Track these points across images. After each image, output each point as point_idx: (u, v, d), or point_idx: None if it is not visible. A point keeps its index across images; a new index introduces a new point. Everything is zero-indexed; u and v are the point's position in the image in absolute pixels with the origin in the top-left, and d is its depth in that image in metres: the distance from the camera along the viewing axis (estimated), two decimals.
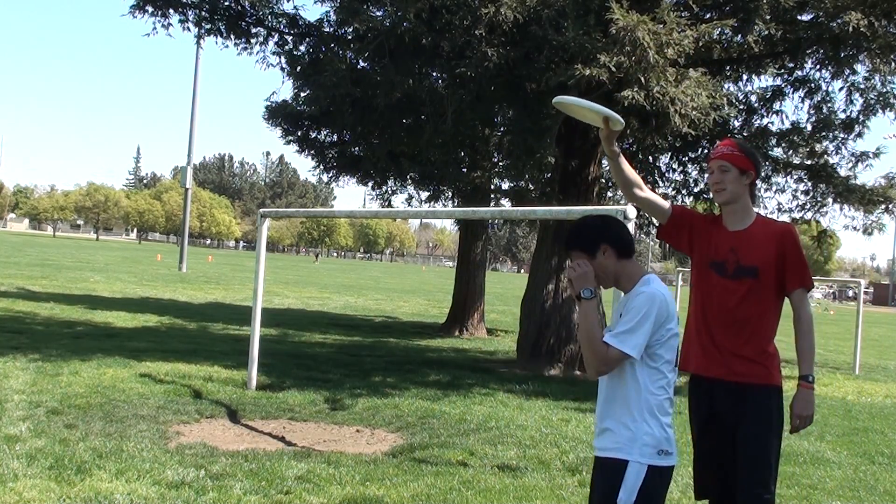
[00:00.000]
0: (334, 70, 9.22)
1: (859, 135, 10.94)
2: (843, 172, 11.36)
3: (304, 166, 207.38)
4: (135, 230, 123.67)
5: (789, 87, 10.91)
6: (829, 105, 10.88)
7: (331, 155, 13.84)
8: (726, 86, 10.51)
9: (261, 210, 7.80)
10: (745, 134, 11.39)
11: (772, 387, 3.07)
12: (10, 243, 52.51)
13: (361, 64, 10.13)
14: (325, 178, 14.65)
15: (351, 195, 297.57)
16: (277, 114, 12.66)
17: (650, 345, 2.49)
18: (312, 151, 13.65)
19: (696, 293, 3.15)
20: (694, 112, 7.73)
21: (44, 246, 54.10)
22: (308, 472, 4.70)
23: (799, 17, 9.13)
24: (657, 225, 3.36)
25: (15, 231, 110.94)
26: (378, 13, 9.52)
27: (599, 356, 2.46)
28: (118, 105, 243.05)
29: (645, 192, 3.24)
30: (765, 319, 3.08)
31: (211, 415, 6.26)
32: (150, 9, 10.65)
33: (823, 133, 11.08)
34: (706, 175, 3.31)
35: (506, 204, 15.86)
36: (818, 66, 10.14)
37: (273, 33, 11.28)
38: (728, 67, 10.75)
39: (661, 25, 7.46)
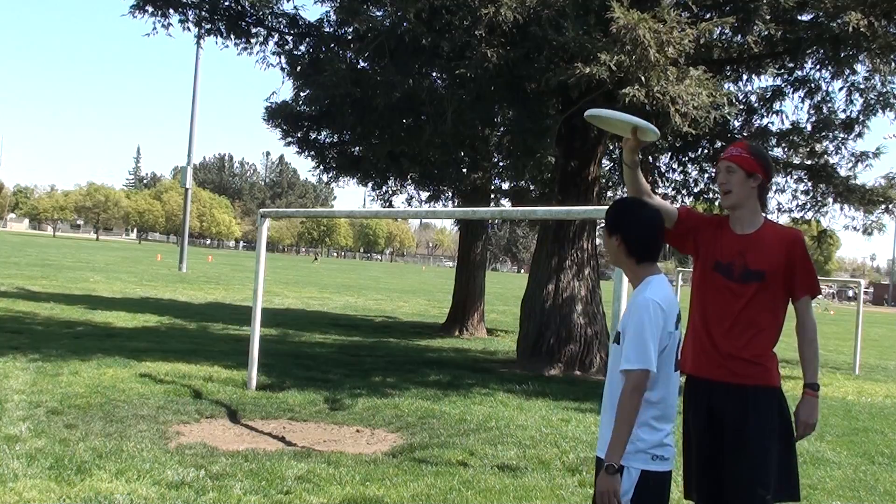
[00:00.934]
0: (334, 70, 9.21)
1: (859, 135, 10.94)
2: (843, 172, 11.37)
3: (304, 166, 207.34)
4: (135, 230, 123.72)
5: (789, 87, 10.92)
6: (829, 105, 10.88)
7: (331, 155, 13.83)
8: (726, 86, 10.51)
9: (261, 210, 7.80)
10: (745, 134, 11.39)
11: (771, 388, 3.05)
12: (10, 243, 52.51)
13: (361, 64, 10.13)
14: (325, 178, 14.64)
15: (351, 195, 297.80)
16: (277, 114, 12.65)
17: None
18: (312, 152, 13.63)
19: (697, 294, 3.13)
20: (694, 111, 7.73)
21: (44, 246, 54.10)
22: (308, 472, 4.70)
23: (799, 17, 9.13)
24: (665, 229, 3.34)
25: (15, 231, 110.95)
26: (378, 13, 9.53)
27: (633, 401, 2.42)
28: (118, 105, 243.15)
29: (654, 199, 3.22)
30: (768, 324, 3.06)
31: (211, 415, 6.26)
32: (150, 9, 10.65)
33: (823, 133, 11.07)
34: (715, 175, 3.25)
35: (506, 204, 15.86)
36: (818, 66, 10.14)
37: (273, 33, 11.28)
38: (728, 67, 10.75)
39: (662, 24, 7.46)
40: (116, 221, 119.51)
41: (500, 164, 14.33)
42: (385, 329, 15.07)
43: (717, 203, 12.73)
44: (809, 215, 11.98)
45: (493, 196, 15.69)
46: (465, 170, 13.89)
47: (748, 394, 3.01)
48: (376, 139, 11.48)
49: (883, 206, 11.29)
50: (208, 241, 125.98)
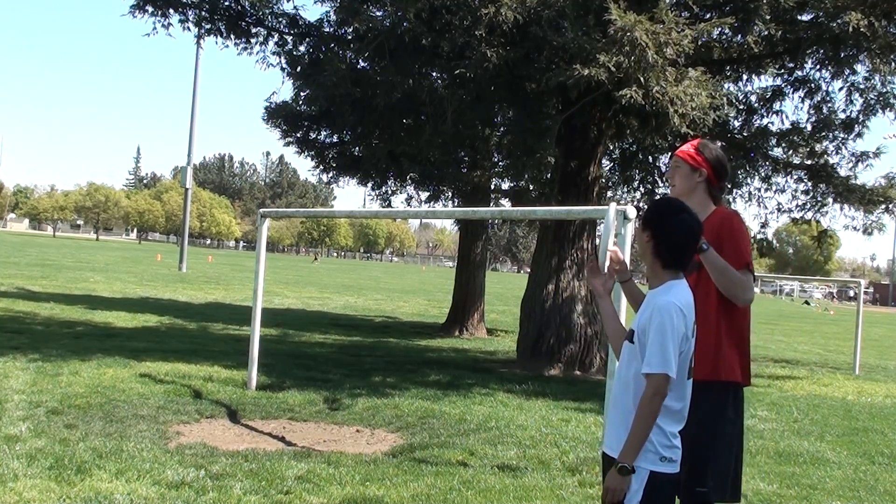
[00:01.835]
0: (334, 70, 9.22)
1: (859, 135, 10.94)
2: (843, 172, 11.36)
3: (304, 166, 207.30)
4: (135, 230, 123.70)
5: (789, 87, 10.92)
6: (829, 105, 10.89)
7: (331, 155, 13.83)
8: (726, 86, 10.52)
9: (261, 210, 7.80)
10: (745, 134, 11.39)
11: (719, 382, 3.03)
12: (10, 243, 52.51)
13: (361, 64, 10.13)
14: (325, 178, 14.64)
15: (351, 195, 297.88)
16: (277, 114, 12.66)
17: None
18: (312, 152, 13.64)
19: None
20: (694, 112, 7.73)
21: (44, 246, 54.10)
22: (308, 472, 4.70)
23: (799, 17, 9.13)
24: None
25: (15, 231, 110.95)
26: (378, 13, 9.53)
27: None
28: (118, 105, 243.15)
29: None
30: (714, 314, 3.04)
31: (211, 415, 6.26)
32: (150, 9, 10.65)
33: (823, 133, 11.07)
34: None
35: (506, 204, 15.86)
36: (818, 66, 10.14)
37: (273, 33, 11.28)
38: (728, 67, 10.75)
39: (660, 25, 7.46)
40: (116, 221, 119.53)
41: (500, 164, 14.33)
42: (385, 329, 15.08)
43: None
44: (809, 215, 11.98)
45: (493, 196, 15.69)
46: (465, 170, 13.89)
47: (695, 388, 3.01)
48: (376, 139, 11.49)
49: (883, 206, 11.28)
50: (208, 241, 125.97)
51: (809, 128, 11.02)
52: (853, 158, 11.27)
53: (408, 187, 15.32)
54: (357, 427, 6.22)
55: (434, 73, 9.88)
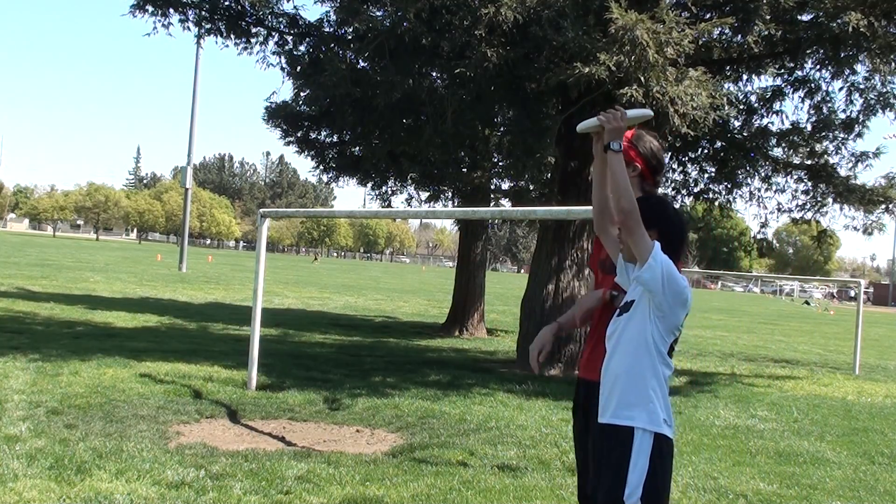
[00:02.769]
0: (334, 70, 9.21)
1: (859, 135, 10.93)
2: (843, 172, 11.35)
3: (304, 166, 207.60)
4: (135, 230, 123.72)
5: (789, 87, 10.91)
6: (829, 105, 10.87)
7: (331, 155, 13.84)
8: (726, 86, 10.51)
9: (261, 210, 7.80)
10: (745, 134, 11.39)
11: None
12: (10, 243, 52.51)
13: (361, 64, 10.13)
14: (325, 178, 14.65)
15: (351, 195, 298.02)
16: (277, 114, 12.66)
17: (665, 313, 2.52)
18: (312, 152, 13.65)
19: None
20: (694, 112, 7.73)
21: (44, 246, 54.10)
22: (308, 472, 4.70)
23: (799, 17, 9.12)
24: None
25: (15, 231, 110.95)
26: (378, 13, 9.52)
27: (628, 200, 2.50)
28: (118, 105, 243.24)
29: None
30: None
31: (211, 415, 6.26)
32: (150, 8, 10.64)
33: (823, 133, 11.07)
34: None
35: (506, 204, 15.86)
36: (818, 66, 10.13)
37: (273, 33, 11.27)
38: (728, 67, 10.75)
39: (661, 24, 7.46)
40: (116, 221, 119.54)
41: (500, 164, 14.34)
42: (385, 329, 15.07)
43: (717, 203, 12.74)
44: (809, 215, 11.96)
45: (493, 196, 15.69)
46: (465, 170, 13.90)
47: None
48: (376, 139, 11.49)
49: (883, 206, 11.27)
50: (208, 241, 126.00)
51: (809, 128, 11.01)
52: (853, 158, 11.26)
53: (408, 187, 15.33)
54: (357, 427, 6.22)
55: (434, 73, 9.88)
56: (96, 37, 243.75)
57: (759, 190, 12.35)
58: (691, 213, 13.61)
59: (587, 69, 7.37)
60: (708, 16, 9.09)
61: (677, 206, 12.86)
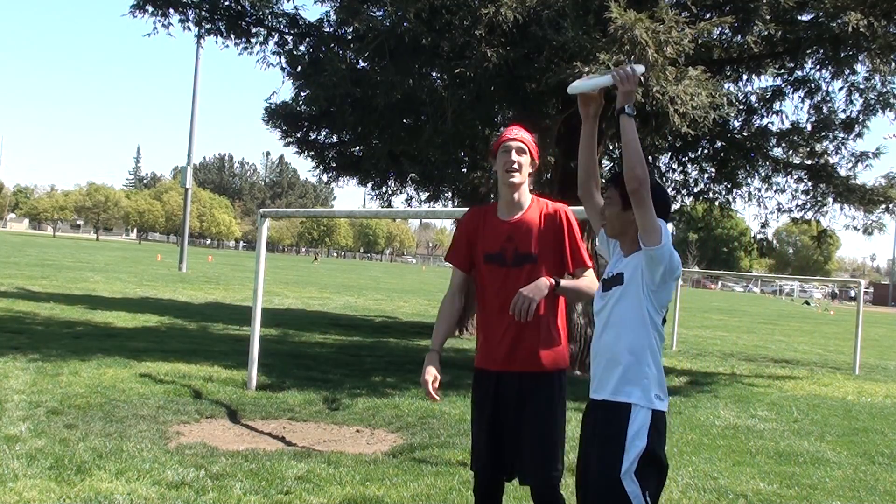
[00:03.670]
0: (334, 70, 9.21)
1: (859, 135, 10.94)
2: (843, 172, 11.35)
3: (304, 166, 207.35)
4: (135, 230, 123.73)
5: (789, 87, 10.91)
6: (829, 105, 10.88)
7: (331, 155, 13.83)
8: (726, 86, 10.51)
9: (261, 210, 7.80)
10: (745, 134, 11.38)
11: (558, 371, 3.13)
12: (10, 243, 52.50)
13: (361, 64, 10.12)
14: (325, 178, 14.63)
15: (351, 195, 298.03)
16: (277, 114, 12.65)
17: (658, 287, 2.57)
18: (312, 152, 13.63)
19: (480, 288, 3.22)
20: (694, 111, 7.73)
21: (44, 246, 54.09)
22: (308, 472, 4.70)
23: (799, 17, 9.12)
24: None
25: (15, 231, 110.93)
26: (378, 13, 9.52)
27: (642, 168, 2.51)
28: (118, 105, 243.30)
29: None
30: (549, 305, 3.11)
31: (211, 415, 6.26)
32: (150, 8, 10.63)
33: (823, 133, 11.07)
34: (496, 154, 3.20)
35: None
36: (818, 66, 10.13)
37: (273, 33, 11.26)
38: (728, 67, 10.75)
39: (660, 24, 7.46)
40: (116, 221, 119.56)
41: None
42: (385, 329, 15.07)
43: (717, 203, 12.73)
44: (809, 215, 11.97)
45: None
46: (465, 170, 13.88)
47: (540, 379, 3.09)
48: (376, 139, 11.48)
49: (883, 206, 11.27)
50: (208, 241, 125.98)
51: (809, 128, 11.01)
52: (853, 158, 11.27)
53: (408, 187, 15.31)
54: (357, 427, 6.22)
55: (434, 73, 9.87)
56: (96, 37, 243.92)
57: (759, 190, 12.36)
58: (691, 213, 13.61)
59: (587, 69, 7.37)
60: (708, 15, 9.08)
61: (677, 206, 12.87)
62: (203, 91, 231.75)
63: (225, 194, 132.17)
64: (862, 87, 10.36)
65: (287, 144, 13.27)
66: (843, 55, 9.04)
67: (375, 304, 21.97)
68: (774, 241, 15.52)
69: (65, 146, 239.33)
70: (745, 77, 11.08)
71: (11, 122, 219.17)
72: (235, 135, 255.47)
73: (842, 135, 11.01)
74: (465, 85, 8.77)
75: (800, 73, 10.67)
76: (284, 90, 74.70)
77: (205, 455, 4.95)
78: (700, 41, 8.46)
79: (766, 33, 8.84)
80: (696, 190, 12.66)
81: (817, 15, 8.75)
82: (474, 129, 10.28)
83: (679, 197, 12.75)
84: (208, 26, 11.11)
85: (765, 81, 11.45)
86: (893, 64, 9.50)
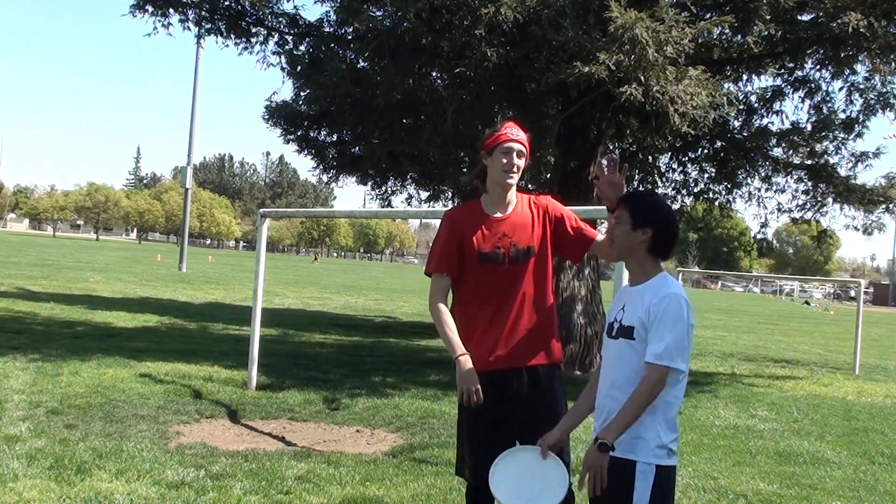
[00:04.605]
0: (334, 70, 9.21)
1: (859, 135, 10.94)
2: (843, 172, 11.36)
3: (304, 166, 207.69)
4: (135, 230, 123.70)
5: (789, 87, 10.91)
6: (829, 105, 10.88)
7: (331, 155, 13.83)
8: (726, 86, 10.52)
9: (261, 210, 7.80)
10: (745, 134, 11.38)
11: (556, 364, 3.16)
12: (10, 243, 52.50)
13: (361, 64, 10.12)
14: (325, 178, 14.63)
15: (351, 195, 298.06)
16: (277, 114, 12.65)
17: None
18: (312, 151, 13.64)
19: (471, 288, 3.16)
20: (694, 111, 7.72)
21: (44, 246, 54.09)
22: (308, 472, 4.70)
23: (799, 17, 9.13)
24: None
25: (15, 231, 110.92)
26: (378, 13, 9.52)
27: (653, 395, 2.40)
28: (118, 105, 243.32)
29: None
30: (546, 297, 3.15)
31: (211, 415, 6.26)
32: (150, 8, 10.64)
33: (823, 133, 11.07)
34: (494, 153, 3.17)
35: None
36: (818, 67, 10.14)
37: (273, 33, 11.27)
38: (728, 67, 10.75)
39: (660, 23, 7.46)
40: (116, 221, 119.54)
41: None
42: (385, 329, 15.07)
43: (717, 203, 12.73)
44: (809, 215, 11.97)
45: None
46: (465, 170, 13.88)
47: (541, 373, 3.12)
48: (376, 139, 11.47)
49: (883, 206, 11.28)
50: (208, 241, 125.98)
51: (809, 128, 11.01)
52: (853, 158, 11.27)
53: (408, 187, 15.33)
54: (357, 427, 6.22)
55: (434, 73, 9.88)
56: (96, 37, 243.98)
57: (759, 190, 12.36)
58: (691, 213, 13.61)
59: (587, 68, 7.37)
60: (708, 15, 9.08)
61: (677, 206, 12.87)
62: (203, 91, 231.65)
63: (225, 194, 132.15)
64: (862, 87, 10.37)
65: (287, 143, 13.29)
66: (843, 55, 9.04)
67: (375, 304, 21.97)
68: (774, 241, 15.53)
69: (65, 146, 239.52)
70: (745, 77, 11.08)
71: (11, 122, 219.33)
72: (235, 135, 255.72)
73: (842, 135, 11.01)
74: (465, 85, 8.77)
75: (800, 73, 10.68)
76: (285, 90, 74.74)
77: (205, 455, 4.95)
78: (700, 41, 8.47)
79: (766, 33, 8.84)
80: (696, 190, 12.66)
81: (817, 15, 8.75)
82: (474, 129, 10.27)
83: (679, 197, 12.75)
84: (208, 26, 11.12)
85: (765, 81, 11.47)
86: (893, 64, 9.51)
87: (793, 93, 10.90)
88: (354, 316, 17.56)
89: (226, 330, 12.50)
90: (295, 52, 11.12)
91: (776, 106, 11.11)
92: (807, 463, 5.93)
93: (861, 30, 7.90)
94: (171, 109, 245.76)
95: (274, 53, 11.25)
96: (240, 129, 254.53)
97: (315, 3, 29.09)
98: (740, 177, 12.05)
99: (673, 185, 12.71)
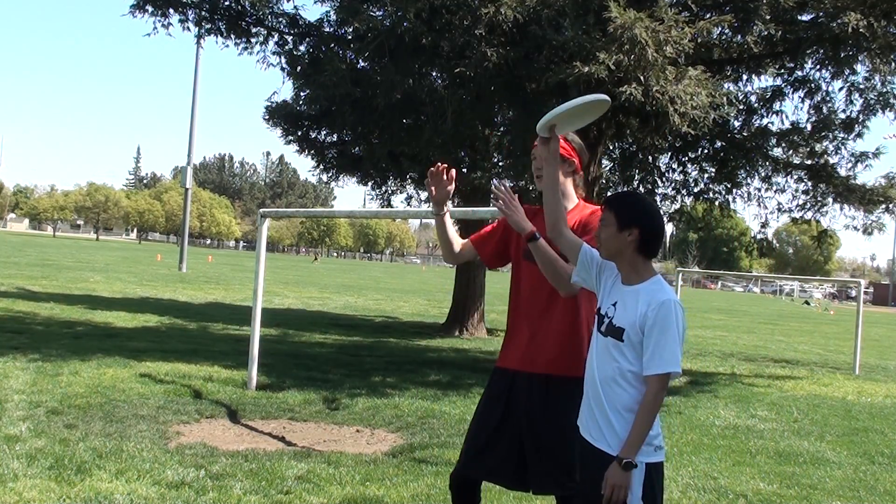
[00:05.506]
0: (334, 70, 9.22)
1: (859, 135, 10.93)
2: (843, 172, 11.35)
3: (304, 166, 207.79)
4: (135, 230, 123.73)
5: (789, 87, 10.90)
6: (829, 105, 10.87)
7: (331, 155, 13.84)
8: (726, 86, 10.51)
9: (261, 210, 7.80)
10: (745, 134, 11.38)
11: (575, 378, 2.97)
12: (10, 243, 52.50)
13: (361, 64, 10.14)
14: (325, 178, 14.64)
15: (351, 195, 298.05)
16: (277, 114, 12.66)
17: None
18: (312, 151, 13.65)
19: (514, 285, 3.18)
20: (693, 111, 7.73)
21: (44, 246, 54.10)
22: (308, 472, 4.70)
23: (799, 17, 9.12)
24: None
25: (15, 231, 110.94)
26: (378, 13, 9.52)
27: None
28: (118, 105, 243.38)
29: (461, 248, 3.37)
30: (577, 307, 3.05)
31: (211, 415, 6.26)
32: (150, 8, 10.65)
33: (823, 133, 11.06)
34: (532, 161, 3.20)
35: None
36: (818, 67, 10.13)
37: (273, 33, 11.27)
38: (728, 67, 10.74)
39: (660, 23, 7.46)
40: (116, 221, 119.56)
41: (500, 164, 14.33)
42: (385, 329, 15.07)
43: (717, 203, 12.73)
44: (809, 215, 11.97)
45: (492, 196, 15.67)
46: (465, 170, 13.89)
47: (558, 383, 3.02)
48: (376, 139, 11.48)
49: (883, 206, 11.28)
50: (208, 241, 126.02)
51: (809, 128, 11.01)
52: (853, 158, 11.26)
53: (408, 187, 15.33)
54: (357, 427, 6.22)
55: (434, 73, 9.88)
56: (97, 37, 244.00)
57: (759, 190, 12.36)
58: (691, 213, 13.61)
59: (587, 68, 7.37)
60: (707, 15, 9.08)
61: (677, 206, 12.87)
62: (203, 91, 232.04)
63: (225, 194, 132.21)
64: (862, 87, 10.36)
65: (287, 143, 13.30)
66: (843, 55, 9.04)
67: (375, 304, 21.96)
68: (774, 241, 15.52)
69: (65, 146, 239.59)
70: (745, 77, 11.08)
71: (11, 122, 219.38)
72: (235, 135, 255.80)
73: (842, 135, 11.00)
74: (465, 85, 8.77)
75: (800, 73, 10.67)
76: (285, 90, 74.80)
77: (205, 455, 4.94)
78: (700, 41, 8.46)
79: (766, 33, 8.84)
80: (696, 190, 12.66)
81: (817, 15, 8.75)
82: (474, 129, 10.30)
83: (679, 197, 12.75)
84: (208, 26, 11.13)
85: (765, 81, 11.48)
86: (893, 64, 9.51)
87: (793, 93, 10.90)
88: (354, 316, 17.56)
89: (226, 330, 12.50)
90: (295, 53, 11.13)
91: (776, 106, 11.11)
92: (807, 463, 5.93)
93: (861, 30, 7.90)
94: (171, 109, 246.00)
95: (274, 53, 11.27)
96: (240, 129, 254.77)
97: (315, 3, 29.10)
98: (740, 177, 12.05)
99: (673, 185, 12.71)
